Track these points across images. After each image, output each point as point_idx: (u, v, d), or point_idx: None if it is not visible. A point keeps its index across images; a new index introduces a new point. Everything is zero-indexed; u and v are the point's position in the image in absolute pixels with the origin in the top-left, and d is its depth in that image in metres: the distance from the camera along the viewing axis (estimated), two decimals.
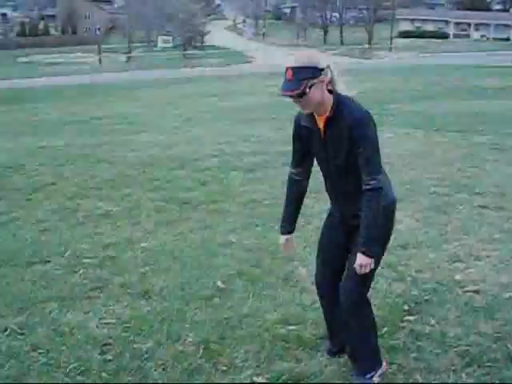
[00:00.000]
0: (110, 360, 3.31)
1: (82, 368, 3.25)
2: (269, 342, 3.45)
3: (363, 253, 2.75)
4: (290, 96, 2.74)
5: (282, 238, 3.11)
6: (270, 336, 3.51)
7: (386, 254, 4.39)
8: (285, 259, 4.51)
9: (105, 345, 3.48)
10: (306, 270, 4.25)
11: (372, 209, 2.73)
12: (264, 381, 3.09)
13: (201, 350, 3.37)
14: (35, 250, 4.96)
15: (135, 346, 3.45)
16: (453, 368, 3.21)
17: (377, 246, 2.79)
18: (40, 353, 3.43)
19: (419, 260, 4.61)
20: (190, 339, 3.48)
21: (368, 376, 2.98)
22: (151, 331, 3.59)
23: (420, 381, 3.09)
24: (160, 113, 14.17)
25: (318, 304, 3.36)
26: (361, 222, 2.78)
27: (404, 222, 5.46)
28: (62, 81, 26.52)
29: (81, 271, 4.54)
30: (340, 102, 2.76)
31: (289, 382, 3.09)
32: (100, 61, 37.10)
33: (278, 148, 8.84)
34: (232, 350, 3.36)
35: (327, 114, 2.78)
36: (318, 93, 2.73)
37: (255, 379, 3.10)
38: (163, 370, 3.22)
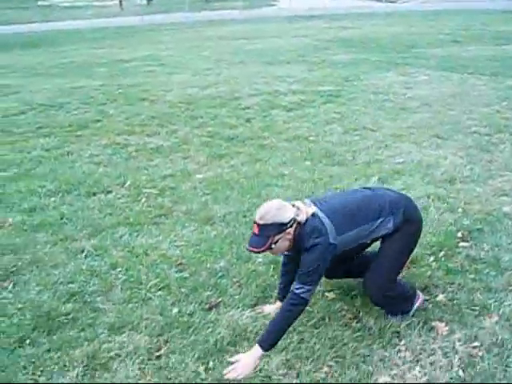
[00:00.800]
0: (186, 277, 3.54)
1: (162, 284, 3.48)
2: None
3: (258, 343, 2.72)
4: (257, 252, 2.87)
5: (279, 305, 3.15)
6: None
7: (433, 187, 4.59)
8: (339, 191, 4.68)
9: (179, 264, 3.70)
10: None
11: (286, 313, 2.79)
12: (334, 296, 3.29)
13: (271, 269, 3.56)
14: (95, 181, 5.17)
15: (208, 265, 3.65)
16: (510, 288, 3.37)
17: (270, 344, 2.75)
18: (119, 271, 3.66)
19: (467, 193, 4.76)
20: (260, 260, 3.67)
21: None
22: (221, 252, 3.80)
23: (480, 298, 3.26)
24: (188, 55, 14.15)
25: None
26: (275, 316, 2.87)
27: (449, 158, 5.58)
28: (84, 24, 26.33)
29: (143, 200, 4.74)
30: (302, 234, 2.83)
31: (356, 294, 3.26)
32: (121, 3, 36.63)
33: (313, 88, 8.92)
34: None
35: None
36: (284, 243, 2.83)
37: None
38: (238, 286, 3.43)
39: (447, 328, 3.03)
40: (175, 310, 3.19)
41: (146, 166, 5.53)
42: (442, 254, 3.77)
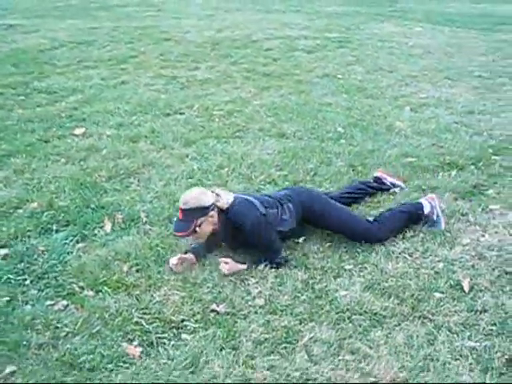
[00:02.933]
0: (286, 175, 4.34)
1: (268, 179, 4.27)
2: (400, 165, 4.50)
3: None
4: (182, 236, 3.17)
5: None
6: (398, 163, 4.56)
7: (457, 117, 5.47)
8: (381, 117, 5.52)
9: (276, 165, 4.49)
10: None
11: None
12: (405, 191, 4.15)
13: (351, 171, 4.42)
14: (165, 104, 5.86)
15: (299, 166, 4.48)
16: None
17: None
18: (227, 170, 4.42)
19: (487, 122, 5.66)
20: (342, 163, 4.52)
21: None
22: (308, 156, 4.62)
23: None
24: (181, 2, 14.52)
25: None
26: None
27: (463, 95, 6.49)
28: None
29: (217, 119, 5.48)
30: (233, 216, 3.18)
31: (427, 190, 4.15)
32: None
33: (321, 34, 9.67)
34: (371, 172, 4.39)
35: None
36: (208, 227, 3.13)
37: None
38: (329, 182, 4.26)
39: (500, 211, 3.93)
40: None
41: (204, 94, 6.22)
42: (480, 164, 4.66)
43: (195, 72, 7.08)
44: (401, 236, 3.51)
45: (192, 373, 2.51)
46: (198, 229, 3.11)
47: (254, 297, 3.00)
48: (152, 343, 2.68)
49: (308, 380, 2.48)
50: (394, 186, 4.10)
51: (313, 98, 6.15)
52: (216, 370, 2.52)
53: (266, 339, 2.70)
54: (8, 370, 2.53)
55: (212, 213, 3.11)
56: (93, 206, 3.84)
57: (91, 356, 2.58)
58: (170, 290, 3.03)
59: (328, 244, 3.45)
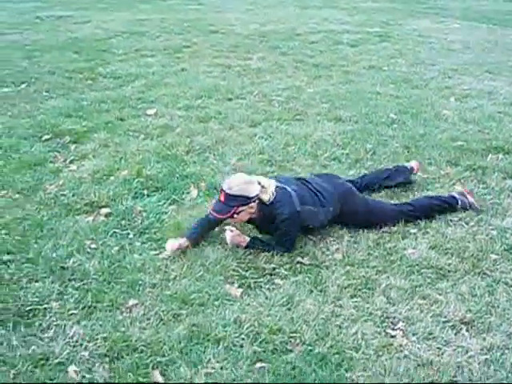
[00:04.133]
0: (348, 153, 4.77)
1: (332, 156, 4.71)
2: (451, 148, 4.91)
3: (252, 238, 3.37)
4: (219, 218, 3.25)
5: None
6: (449, 146, 4.97)
7: (500, 107, 5.84)
8: (429, 106, 5.92)
9: (337, 145, 4.93)
10: None
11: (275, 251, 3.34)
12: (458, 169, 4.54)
13: (406, 152, 4.83)
14: (226, 90, 6.31)
15: (359, 146, 4.91)
16: None
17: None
18: (293, 149, 4.87)
19: None
20: (397, 144, 4.95)
21: None
22: (365, 138, 5.05)
23: None
24: None
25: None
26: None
27: (504, 88, 6.86)
28: None
29: (276, 104, 5.92)
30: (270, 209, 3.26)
31: (478, 170, 4.55)
32: None
33: (362, 29, 10.07)
34: (424, 153, 4.82)
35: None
36: (245, 216, 3.22)
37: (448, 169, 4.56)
38: (387, 161, 4.69)
39: None
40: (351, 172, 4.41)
41: (260, 82, 6.66)
42: None
43: (248, 62, 7.51)
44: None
45: (288, 309, 2.95)
46: (235, 215, 3.18)
47: (333, 252, 3.44)
48: (250, 286, 3.13)
49: (388, 318, 2.91)
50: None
51: (362, 87, 6.55)
52: (308, 307, 2.96)
53: (348, 285, 3.13)
54: (131, 302, 3.00)
55: (253, 204, 3.18)
56: (177, 175, 4.29)
57: (200, 294, 3.04)
58: None
59: None
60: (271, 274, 3.21)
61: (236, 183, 3.17)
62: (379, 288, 3.10)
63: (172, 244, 3.26)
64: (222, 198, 3.13)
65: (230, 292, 3.05)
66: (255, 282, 3.14)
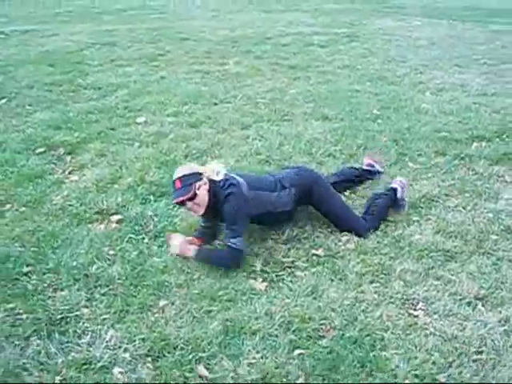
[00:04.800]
0: (341, 149, 4.95)
1: (327, 153, 4.88)
2: (436, 139, 5.14)
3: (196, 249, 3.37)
4: (183, 201, 3.22)
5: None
6: (434, 137, 5.20)
7: (474, 98, 6.11)
8: (408, 100, 6.17)
9: (330, 142, 5.10)
10: None
11: (223, 260, 3.32)
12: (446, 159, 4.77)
13: (395, 145, 5.04)
14: (211, 95, 6.45)
15: (350, 142, 5.09)
16: None
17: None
18: (292, 149, 5.02)
19: (501, 103, 6.31)
20: (385, 138, 5.15)
21: None
22: (354, 134, 5.24)
23: None
24: (180, 5, 15.06)
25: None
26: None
27: (474, 80, 7.16)
28: None
29: (262, 106, 6.10)
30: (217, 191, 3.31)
31: (465, 158, 4.78)
32: None
33: (329, 30, 10.32)
34: (412, 145, 5.05)
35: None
36: (204, 194, 3.25)
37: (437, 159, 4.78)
38: (379, 154, 4.88)
39: None
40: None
41: (241, 86, 6.79)
42: (504, 136, 5.31)
43: (225, 67, 7.63)
44: (454, 193, 4.13)
45: (314, 298, 3.09)
46: (197, 191, 3.21)
47: (345, 242, 3.60)
48: (273, 280, 3.26)
49: (408, 300, 3.08)
50: (379, 172, 4.38)
51: (340, 86, 6.75)
52: (332, 295, 3.11)
53: (366, 272, 3.30)
54: (161, 303, 3.09)
55: (205, 179, 3.26)
56: None
57: (226, 291, 3.15)
58: (274, 243, 3.61)
59: None
60: (290, 267, 3.35)
61: (181, 168, 3.36)
62: (395, 273, 3.27)
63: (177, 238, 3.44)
64: (178, 185, 3.23)
65: (254, 287, 3.17)
66: (277, 276, 3.26)
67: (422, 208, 3.95)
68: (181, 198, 3.22)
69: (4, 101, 6.56)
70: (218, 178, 3.32)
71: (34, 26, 11.44)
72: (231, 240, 3.21)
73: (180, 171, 3.29)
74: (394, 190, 3.89)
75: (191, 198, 3.22)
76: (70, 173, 4.66)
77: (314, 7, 13.47)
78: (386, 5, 13.79)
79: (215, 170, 3.35)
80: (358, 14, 12.29)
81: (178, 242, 3.35)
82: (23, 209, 4.10)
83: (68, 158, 4.95)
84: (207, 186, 3.26)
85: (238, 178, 3.36)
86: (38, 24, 11.74)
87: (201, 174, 3.27)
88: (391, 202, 3.86)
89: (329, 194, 3.66)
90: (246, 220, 3.34)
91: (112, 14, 13.36)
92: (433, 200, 4.08)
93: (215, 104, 6.11)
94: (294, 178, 3.54)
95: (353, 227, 3.60)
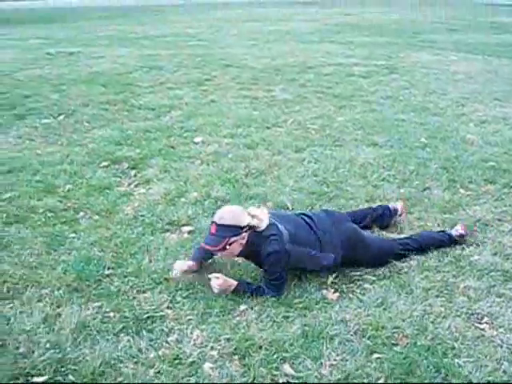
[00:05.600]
0: (394, 174, 5.17)
1: (381, 178, 5.09)
2: (485, 168, 5.33)
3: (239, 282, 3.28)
4: (212, 250, 3.19)
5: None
6: (482, 166, 5.39)
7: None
8: (453, 131, 6.38)
9: (383, 167, 5.32)
10: None
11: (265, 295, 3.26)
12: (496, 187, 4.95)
13: (445, 172, 5.25)
14: (262, 119, 6.69)
15: (402, 167, 5.31)
16: None
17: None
18: (347, 172, 5.26)
19: None
20: (435, 165, 5.35)
21: None
22: (405, 160, 5.44)
23: None
24: (216, 33, 15.57)
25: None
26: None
27: None
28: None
29: (313, 131, 6.34)
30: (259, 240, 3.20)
31: None
32: None
33: (368, 62, 10.62)
34: (462, 173, 5.21)
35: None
36: (237, 247, 3.14)
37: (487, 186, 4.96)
38: (431, 180, 5.09)
39: None
40: (402, 190, 4.81)
41: (290, 111, 7.06)
42: None
43: (272, 93, 7.93)
44: (507, 219, 4.32)
45: (384, 309, 3.28)
46: (228, 247, 3.12)
47: (408, 260, 3.80)
48: (343, 291, 3.45)
49: (473, 314, 3.27)
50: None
51: (386, 115, 7.00)
52: (401, 307, 3.29)
53: (431, 287, 3.48)
54: (242, 307, 3.30)
55: (244, 234, 3.15)
56: (244, 196, 4.63)
57: (301, 299, 3.34)
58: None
59: None
60: (359, 280, 3.54)
61: (227, 213, 3.17)
62: (458, 289, 3.45)
63: (181, 266, 3.41)
64: (214, 230, 3.11)
65: (327, 296, 3.37)
66: (347, 288, 3.46)
67: (477, 232, 4.12)
68: (209, 247, 3.17)
69: (62, 117, 6.89)
70: (261, 228, 3.21)
71: (79, 48, 11.89)
72: (273, 293, 3.27)
73: (222, 216, 3.15)
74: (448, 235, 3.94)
75: (219, 250, 3.18)
76: (135, 186, 4.91)
77: (348, 39, 13.79)
78: (418, 39, 14.10)
79: (259, 220, 3.22)
80: (394, 47, 12.61)
81: (218, 284, 3.25)
82: (96, 217, 4.34)
83: (132, 172, 5.20)
84: (244, 241, 3.17)
85: (280, 226, 3.25)
86: (81, 46, 12.20)
87: (242, 228, 3.14)
88: (442, 242, 3.90)
89: (369, 243, 3.67)
90: (285, 274, 3.29)
91: (150, 39, 13.82)
92: (487, 224, 4.25)
93: (267, 128, 6.38)
94: (336, 237, 3.46)
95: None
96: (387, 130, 6.29)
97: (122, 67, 9.68)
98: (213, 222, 3.12)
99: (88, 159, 5.45)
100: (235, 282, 3.24)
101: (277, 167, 5.21)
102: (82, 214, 4.39)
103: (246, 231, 3.12)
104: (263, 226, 3.18)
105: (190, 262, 3.41)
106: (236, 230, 3.10)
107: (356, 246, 3.52)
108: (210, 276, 3.26)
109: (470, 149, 5.82)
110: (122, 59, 10.49)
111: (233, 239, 3.10)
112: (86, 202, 4.56)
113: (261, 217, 3.20)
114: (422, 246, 3.78)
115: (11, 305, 3.22)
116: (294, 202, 4.54)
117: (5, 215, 4.35)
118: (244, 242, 3.14)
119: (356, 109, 7.21)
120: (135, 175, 5.13)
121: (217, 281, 3.19)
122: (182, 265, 3.39)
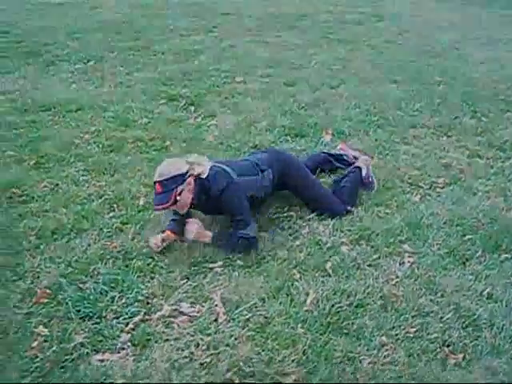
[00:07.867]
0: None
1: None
2: None
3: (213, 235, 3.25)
4: (164, 208, 3.06)
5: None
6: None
7: None
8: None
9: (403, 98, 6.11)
10: None
11: (239, 247, 3.23)
12: None
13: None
14: (290, 63, 7.34)
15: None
16: None
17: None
18: None
19: None
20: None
21: None
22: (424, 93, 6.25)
23: None
24: None
25: None
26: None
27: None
28: None
29: (335, 70, 7.03)
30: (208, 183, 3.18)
31: None
32: None
33: (360, 9, 11.28)
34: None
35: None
36: (187, 195, 3.07)
37: None
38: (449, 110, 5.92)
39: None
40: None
41: (308, 54, 7.72)
42: None
43: (280, 39, 8.56)
44: None
45: (458, 206, 4.08)
46: (178, 197, 3.05)
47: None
48: (422, 194, 4.25)
49: None
50: (356, 158, 4.24)
51: (395, 57, 7.76)
52: (472, 204, 4.10)
53: (489, 190, 4.29)
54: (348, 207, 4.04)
55: (189, 179, 3.09)
56: (306, 125, 5.32)
57: (391, 201, 4.08)
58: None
59: None
60: (434, 183, 4.33)
61: (164, 168, 3.09)
62: None
63: (155, 241, 3.24)
64: (159, 189, 3.03)
65: (410, 199, 4.15)
66: (424, 192, 4.25)
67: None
68: (160, 207, 3.06)
69: (92, 63, 7.26)
70: (204, 175, 3.19)
71: None
72: (242, 232, 3.18)
73: (161, 172, 3.06)
74: (359, 169, 3.99)
75: (172, 205, 3.08)
76: (202, 119, 5.46)
77: None
78: None
79: (200, 165, 3.20)
80: None
81: (194, 229, 3.21)
82: (184, 144, 4.88)
83: (192, 108, 5.73)
84: (191, 187, 3.11)
85: (223, 166, 3.28)
86: None
87: (184, 174, 3.08)
88: (359, 180, 3.94)
89: (304, 176, 3.64)
90: (247, 205, 3.25)
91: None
92: None
93: (295, 68, 7.03)
94: (268, 160, 3.51)
95: (331, 209, 3.68)
96: (402, 70, 7.03)
97: (124, 17, 9.95)
98: (155, 183, 3.03)
99: (145, 97, 5.91)
100: (210, 234, 3.25)
101: (321, 101, 5.87)
102: (168, 142, 4.90)
103: (189, 176, 3.08)
104: (206, 170, 3.17)
105: (164, 234, 3.29)
106: (178, 179, 3.04)
107: (286, 165, 3.61)
108: (187, 220, 3.26)
109: (479, 85, 6.63)
110: (117, 8, 10.71)
111: (180, 188, 3.04)
112: (168, 132, 5.08)
113: (199, 162, 3.18)
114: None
115: None
116: (350, 129, 5.23)
117: (100, 145, 4.80)
118: (192, 188, 3.10)
119: (365, 51, 7.92)
120: (195, 110, 5.64)
121: (194, 226, 3.21)
122: (157, 240, 3.24)
